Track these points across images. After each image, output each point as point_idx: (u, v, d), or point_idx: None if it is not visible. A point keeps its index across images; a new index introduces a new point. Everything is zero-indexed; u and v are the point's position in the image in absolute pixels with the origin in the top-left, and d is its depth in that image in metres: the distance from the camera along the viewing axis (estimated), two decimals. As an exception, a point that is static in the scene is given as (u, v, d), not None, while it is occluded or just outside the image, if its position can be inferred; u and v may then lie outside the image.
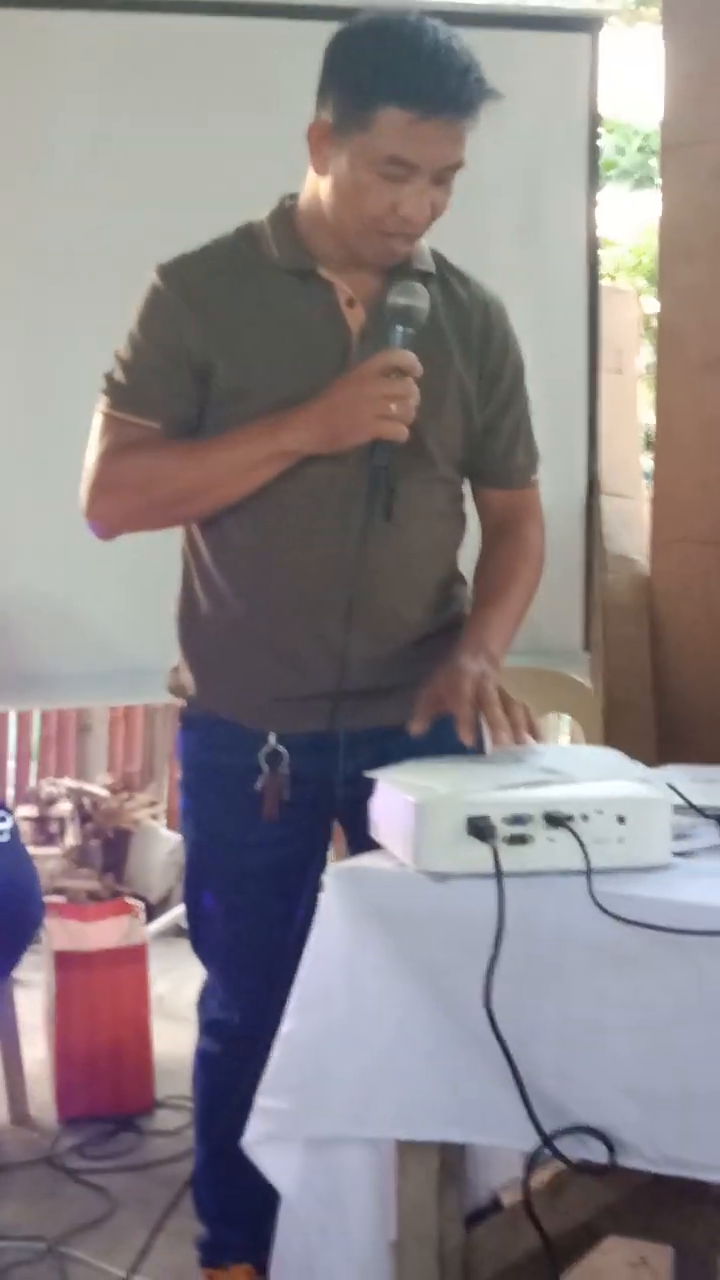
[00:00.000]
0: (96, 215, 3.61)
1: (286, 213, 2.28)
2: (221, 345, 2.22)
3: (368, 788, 2.10)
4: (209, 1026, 2.50)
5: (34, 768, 5.88)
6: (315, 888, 2.43)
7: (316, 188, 2.22)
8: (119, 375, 2.27)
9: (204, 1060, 2.51)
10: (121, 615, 3.36)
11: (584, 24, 3.94)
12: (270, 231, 2.28)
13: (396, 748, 2.22)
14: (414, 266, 2.26)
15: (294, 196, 2.29)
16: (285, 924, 2.29)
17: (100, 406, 2.28)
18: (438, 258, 2.35)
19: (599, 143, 4.07)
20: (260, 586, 2.27)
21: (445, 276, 2.35)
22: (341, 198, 2.16)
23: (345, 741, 2.29)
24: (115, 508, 2.28)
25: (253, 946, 2.37)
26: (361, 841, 2.18)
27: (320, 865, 2.46)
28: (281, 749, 2.29)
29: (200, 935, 2.47)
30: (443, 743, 2.20)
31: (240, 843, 2.34)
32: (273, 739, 2.29)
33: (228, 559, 2.30)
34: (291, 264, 2.24)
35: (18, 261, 3.65)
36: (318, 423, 2.14)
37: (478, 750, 2.17)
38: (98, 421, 2.28)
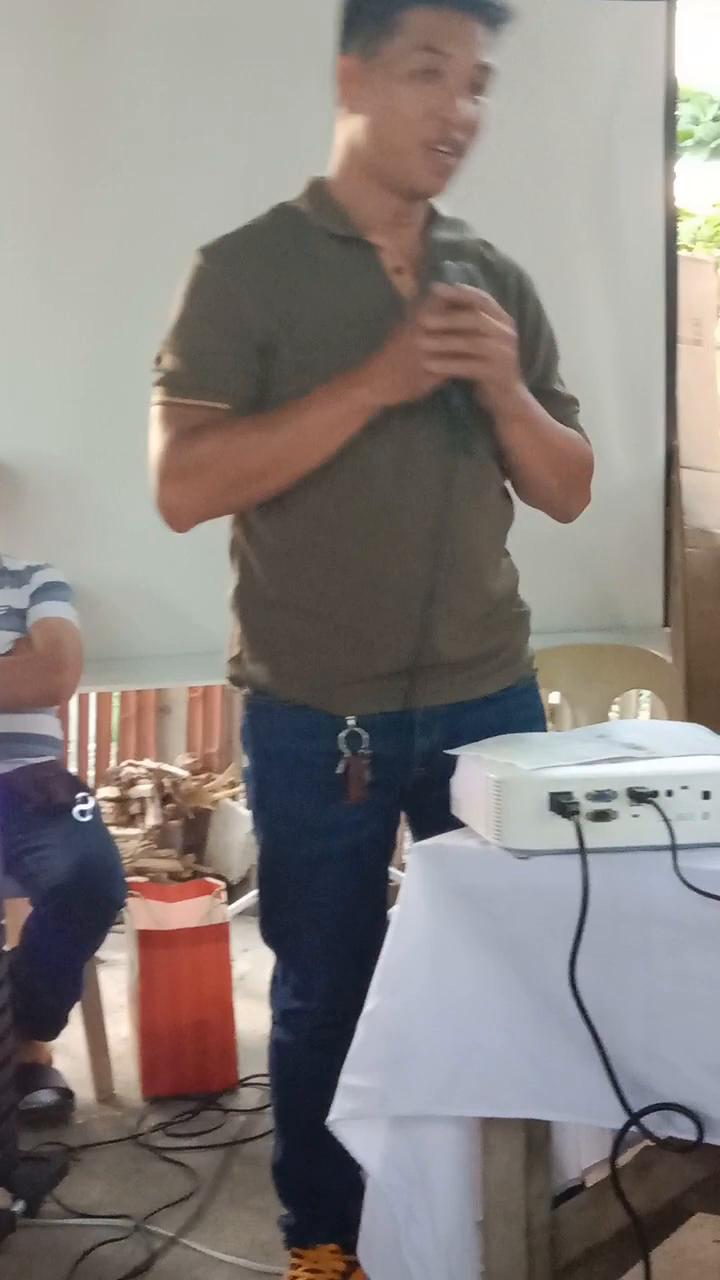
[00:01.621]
0: (172, 191, 3.64)
1: (320, 185, 2.26)
2: (283, 320, 2.18)
3: (440, 767, 2.10)
4: (284, 1016, 2.47)
5: (114, 749, 5.91)
6: (386, 869, 2.44)
7: (348, 142, 2.20)
8: (174, 363, 2.22)
9: (280, 1049, 2.49)
10: (200, 596, 3.36)
11: (659, -8, 3.91)
12: (308, 203, 2.25)
13: (468, 723, 2.22)
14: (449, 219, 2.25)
15: (321, 177, 2.27)
16: (362, 906, 2.29)
17: (156, 397, 2.22)
18: (464, 225, 2.33)
19: (675, 112, 4.03)
20: (337, 566, 2.23)
21: (477, 241, 2.33)
22: (378, 121, 2.14)
23: (421, 719, 2.28)
24: (194, 494, 2.21)
25: (333, 932, 2.35)
26: (429, 819, 2.18)
27: (389, 855, 2.45)
28: (361, 731, 2.26)
29: (274, 922, 2.44)
30: (510, 715, 2.23)
31: (320, 828, 2.31)
32: (351, 721, 2.27)
33: (300, 540, 2.25)
34: (340, 229, 2.21)
35: (98, 248, 3.68)
36: (392, 369, 2.09)
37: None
38: (156, 413, 2.22)
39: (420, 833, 2.36)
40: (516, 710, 2.25)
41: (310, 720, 2.28)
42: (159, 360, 2.24)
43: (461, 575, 2.25)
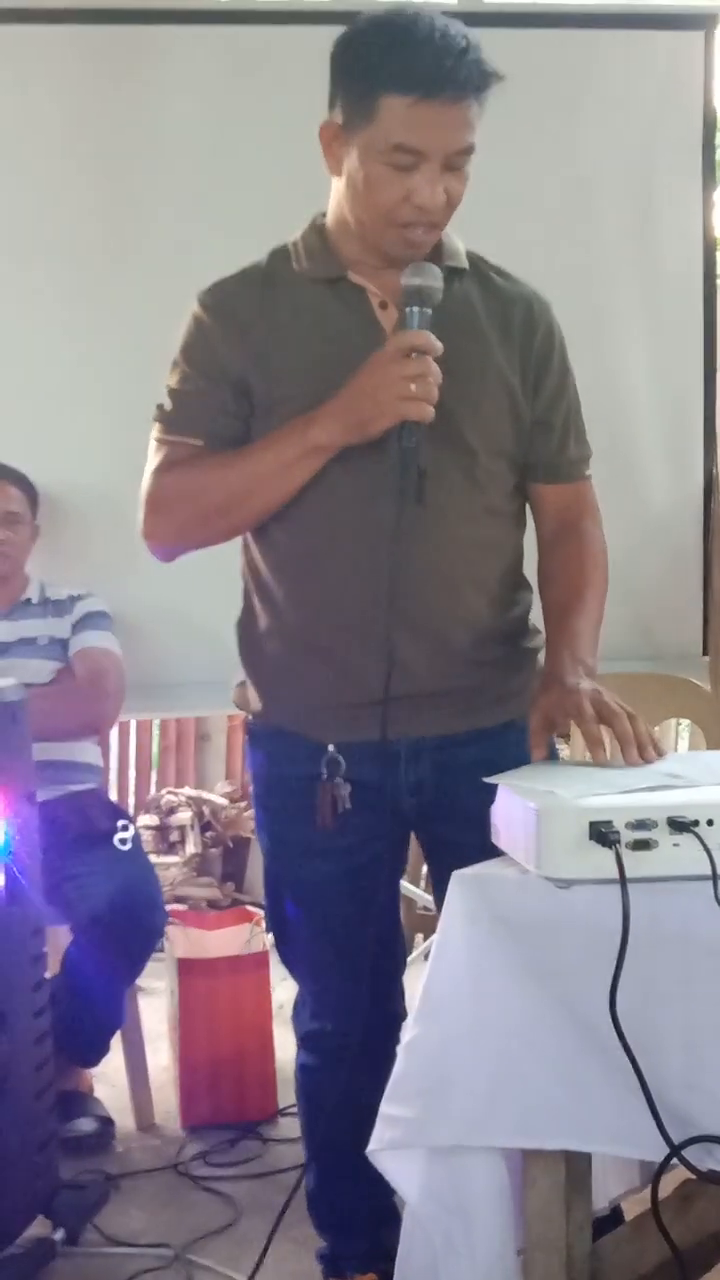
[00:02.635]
0: (206, 224, 3.67)
1: (318, 228, 2.29)
2: (256, 358, 2.24)
3: (433, 799, 2.15)
4: (305, 1039, 2.50)
5: (154, 777, 5.93)
6: (394, 891, 2.45)
7: (337, 192, 2.22)
8: (166, 402, 2.31)
9: (305, 1073, 2.52)
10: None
11: (698, 21, 3.91)
12: (302, 246, 2.29)
13: (463, 756, 2.24)
14: (444, 263, 2.25)
15: (324, 213, 2.30)
16: (363, 931, 2.29)
17: (153, 433, 2.33)
18: (475, 256, 2.34)
19: (715, 141, 4.03)
20: (309, 593, 2.28)
21: (484, 273, 2.34)
22: (355, 194, 2.16)
23: (406, 750, 2.29)
24: (166, 524, 2.31)
25: (336, 953, 2.37)
26: (431, 854, 2.17)
27: (397, 869, 2.46)
28: (340, 758, 2.28)
29: (285, 946, 2.47)
30: (506, 752, 2.19)
31: (311, 851, 2.34)
32: (331, 748, 2.28)
33: (278, 569, 2.31)
34: (321, 273, 2.25)
35: (135, 280, 3.71)
36: (343, 413, 2.13)
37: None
38: (150, 447, 2.33)
39: (435, 871, 2.40)
40: (515, 746, 2.21)
41: (295, 745, 2.32)
42: (161, 400, 2.34)
43: (433, 606, 2.25)
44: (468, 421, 2.24)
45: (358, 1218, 2.46)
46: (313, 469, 2.19)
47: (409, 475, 2.12)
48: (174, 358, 2.32)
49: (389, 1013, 2.38)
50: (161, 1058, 3.73)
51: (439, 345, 2.11)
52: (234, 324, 2.26)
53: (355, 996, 2.25)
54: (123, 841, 3.40)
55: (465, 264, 2.30)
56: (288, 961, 2.49)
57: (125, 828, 3.43)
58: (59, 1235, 2.77)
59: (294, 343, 2.24)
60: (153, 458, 2.32)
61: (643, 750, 2.03)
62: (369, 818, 2.27)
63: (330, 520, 2.23)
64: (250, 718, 2.43)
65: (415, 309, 2.12)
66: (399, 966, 2.49)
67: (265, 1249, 2.38)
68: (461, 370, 2.18)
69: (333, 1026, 2.40)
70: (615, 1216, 2.13)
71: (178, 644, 3.83)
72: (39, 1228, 2.77)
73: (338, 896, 2.34)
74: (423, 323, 2.12)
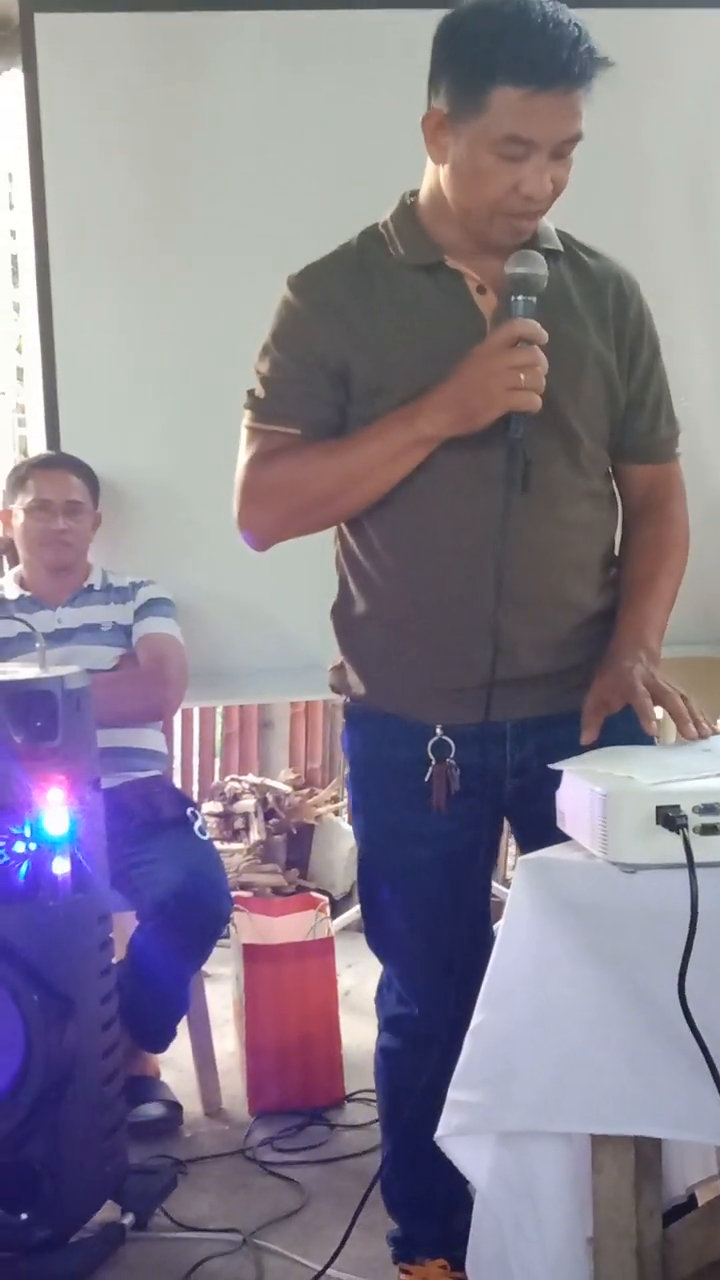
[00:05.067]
0: (262, 214, 3.68)
1: (409, 209, 2.27)
2: (355, 345, 2.22)
3: (536, 779, 2.11)
4: (389, 1022, 2.50)
5: (217, 764, 5.94)
6: (486, 879, 2.44)
7: (436, 178, 2.20)
8: (258, 389, 2.29)
9: (386, 1056, 2.51)
10: (302, 611, 3.38)
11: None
12: (394, 229, 2.27)
13: (565, 736, 2.21)
14: (540, 245, 2.23)
15: (415, 193, 2.28)
16: (458, 915, 2.29)
17: (245, 421, 2.31)
18: (565, 236, 2.32)
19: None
20: (414, 579, 2.26)
21: (575, 253, 2.32)
22: (462, 183, 2.14)
23: (512, 731, 2.29)
24: (265, 515, 2.29)
25: (427, 939, 2.37)
26: (530, 834, 2.17)
27: (491, 857, 2.45)
28: (448, 740, 2.28)
29: (375, 930, 2.48)
30: (613, 730, 2.19)
31: (411, 835, 2.33)
32: (439, 730, 2.28)
33: (379, 555, 2.29)
34: (419, 259, 2.23)
35: (193, 271, 3.72)
36: (451, 404, 2.12)
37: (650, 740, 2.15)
38: (243, 436, 2.31)
39: (525, 845, 2.36)
40: (619, 725, 2.21)
41: (400, 728, 2.32)
42: (252, 386, 2.31)
43: (539, 589, 2.25)
44: (570, 407, 2.23)
45: (431, 1203, 2.46)
46: (418, 459, 2.19)
47: (516, 464, 2.13)
48: (264, 343, 2.29)
49: (474, 1001, 2.37)
50: (228, 1043, 3.75)
51: (545, 334, 2.11)
52: (329, 309, 2.24)
53: (444, 983, 2.25)
54: (201, 830, 3.42)
55: (559, 246, 2.29)
56: (376, 944, 2.48)
57: (195, 815, 3.45)
58: (128, 1220, 2.79)
59: (397, 330, 2.22)
60: (247, 447, 2.29)
61: (698, 725, 2.05)
62: (470, 802, 2.29)
63: (435, 508, 2.22)
64: (349, 700, 2.43)
65: (520, 298, 2.12)
66: (487, 955, 2.48)
67: (345, 1237, 2.40)
68: (562, 355, 2.17)
69: (419, 1011, 2.40)
70: (692, 1204, 2.12)
71: (239, 631, 3.84)
72: (108, 1212, 2.78)
73: (434, 881, 2.34)
74: (527, 311, 2.12)
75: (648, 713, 2.08)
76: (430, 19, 2.15)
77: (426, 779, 2.29)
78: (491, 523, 2.15)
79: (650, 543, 2.38)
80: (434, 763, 2.29)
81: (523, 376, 2.08)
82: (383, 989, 2.52)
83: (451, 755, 2.28)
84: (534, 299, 2.13)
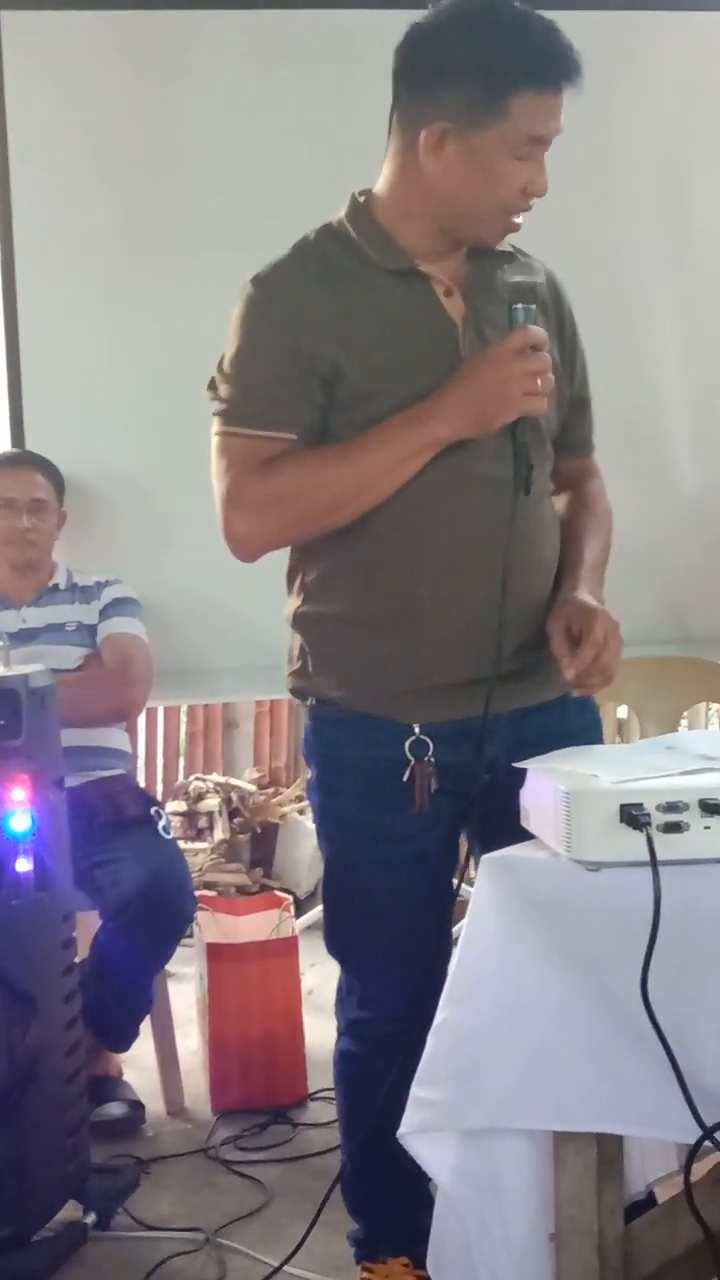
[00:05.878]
0: (232, 211, 3.69)
1: (364, 209, 2.26)
2: (344, 348, 2.20)
3: (504, 774, 2.12)
4: (350, 1026, 2.48)
5: (181, 763, 5.94)
6: (449, 885, 2.44)
7: (407, 182, 2.20)
8: (232, 393, 2.23)
9: (346, 1060, 2.50)
10: (268, 610, 3.35)
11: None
12: (355, 231, 2.25)
13: (530, 728, 2.26)
14: (499, 248, 2.28)
15: (365, 192, 2.28)
16: (426, 914, 2.30)
17: (217, 428, 2.24)
18: None
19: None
20: (409, 581, 2.25)
21: (516, 254, 2.33)
22: (474, 187, 2.15)
23: (487, 727, 2.28)
24: (263, 526, 2.24)
25: (394, 939, 2.36)
26: (491, 830, 2.18)
27: (454, 861, 2.45)
28: (426, 739, 2.28)
29: (339, 932, 2.45)
30: (569, 721, 2.29)
31: (388, 835, 2.32)
32: (417, 729, 2.28)
33: (368, 558, 2.26)
34: (391, 264, 2.22)
35: (161, 269, 3.72)
36: (465, 407, 2.14)
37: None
38: (217, 443, 2.24)
39: (485, 844, 2.36)
40: (576, 715, 2.29)
41: (377, 728, 2.30)
42: (212, 387, 2.26)
43: (532, 587, 2.28)
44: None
45: (392, 1202, 2.45)
46: (423, 462, 2.18)
47: (521, 467, 2.16)
48: (236, 346, 2.23)
49: (435, 1004, 2.37)
50: (191, 1042, 3.74)
51: (548, 341, 2.16)
52: (310, 310, 2.20)
53: (407, 985, 2.26)
54: (165, 829, 3.41)
55: (510, 247, 2.31)
56: (340, 948, 2.45)
57: (158, 814, 3.44)
58: (90, 1219, 2.78)
59: (376, 333, 2.21)
60: (225, 454, 2.23)
61: (585, 685, 2.18)
62: (442, 801, 2.29)
63: (436, 511, 2.22)
64: (315, 703, 2.38)
65: (521, 305, 2.15)
66: (448, 957, 2.49)
67: (305, 1236, 2.40)
68: None
69: (382, 1015, 2.39)
70: (651, 1201, 2.12)
71: (205, 631, 3.84)
72: (70, 1211, 2.78)
73: (408, 881, 2.33)
74: (530, 318, 2.15)
75: (584, 667, 2.16)
76: (406, 20, 2.15)
77: (405, 778, 2.29)
78: (499, 524, 2.16)
79: (579, 514, 2.43)
80: (413, 762, 2.28)
81: (539, 382, 2.12)
82: (342, 993, 2.50)
83: (429, 754, 2.28)
84: (534, 306, 2.16)
